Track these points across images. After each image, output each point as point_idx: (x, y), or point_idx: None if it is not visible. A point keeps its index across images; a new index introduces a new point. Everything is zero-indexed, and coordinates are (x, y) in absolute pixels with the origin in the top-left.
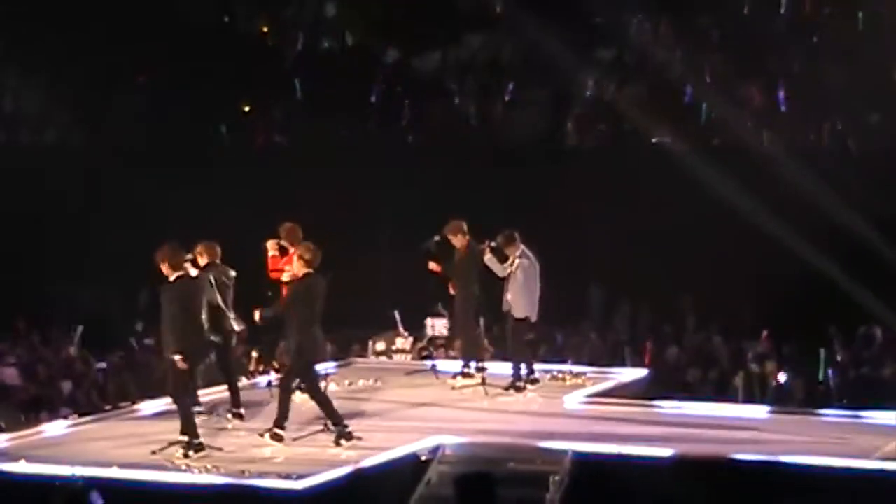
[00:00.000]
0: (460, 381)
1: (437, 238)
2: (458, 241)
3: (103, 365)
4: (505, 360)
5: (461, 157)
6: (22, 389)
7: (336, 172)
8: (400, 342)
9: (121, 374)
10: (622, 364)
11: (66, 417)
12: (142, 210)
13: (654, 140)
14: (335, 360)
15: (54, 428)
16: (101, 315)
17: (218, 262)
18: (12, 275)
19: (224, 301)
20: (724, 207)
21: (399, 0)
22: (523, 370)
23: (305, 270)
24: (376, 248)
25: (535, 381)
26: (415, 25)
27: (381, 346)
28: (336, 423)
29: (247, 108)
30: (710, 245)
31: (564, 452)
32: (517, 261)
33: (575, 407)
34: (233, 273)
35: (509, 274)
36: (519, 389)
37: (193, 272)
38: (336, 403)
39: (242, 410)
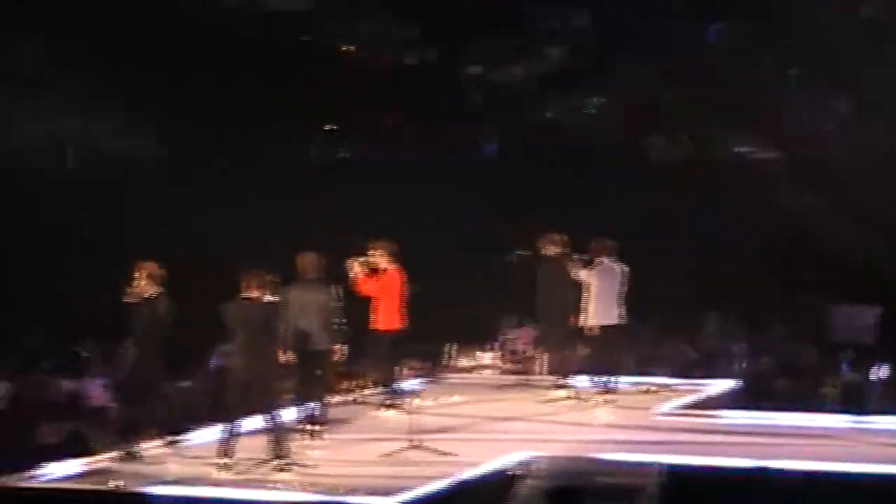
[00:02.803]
0: (550, 394)
1: (519, 252)
2: (550, 251)
3: (187, 384)
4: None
5: (544, 167)
6: (112, 409)
7: (419, 185)
8: (487, 357)
9: (205, 394)
10: (712, 375)
11: (155, 437)
12: (220, 228)
13: (736, 149)
14: (423, 375)
15: (145, 447)
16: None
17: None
18: (92, 292)
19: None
20: (809, 216)
21: (479, 15)
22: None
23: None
24: (461, 260)
25: (601, 392)
26: (495, 39)
27: (466, 361)
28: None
29: (330, 127)
30: (798, 253)
31: (654, 465)
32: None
33: (664, 419)
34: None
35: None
36: (607, 401)
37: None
38: (425, 419)
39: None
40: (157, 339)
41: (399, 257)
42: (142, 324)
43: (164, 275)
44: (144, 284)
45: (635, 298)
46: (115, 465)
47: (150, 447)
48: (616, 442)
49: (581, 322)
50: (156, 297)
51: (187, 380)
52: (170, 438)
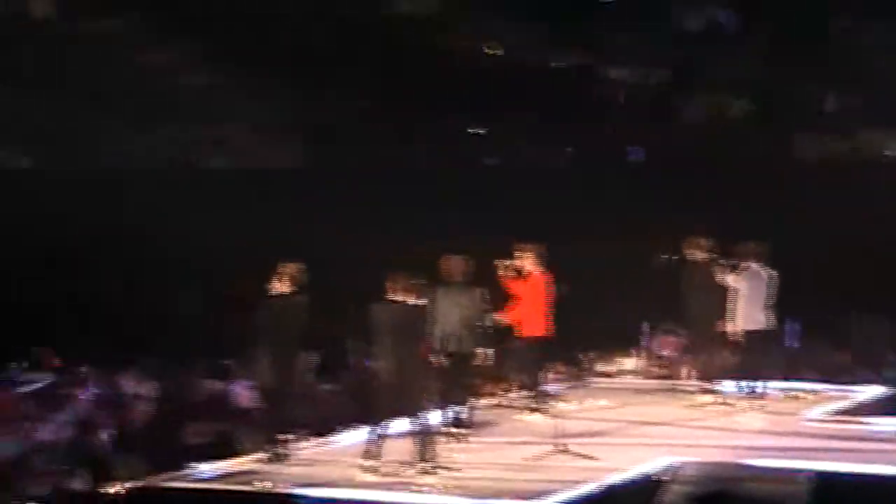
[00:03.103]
0: (697, 399)
1: (666, 256)
2: (696, 256)
3: (328, 387)
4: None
5: (687, 172)
6: (258, 411)
7: (562, 191)
8: (632, 361)
9: (349, 395)
10: (863, 381)
11: (302, 439)
12: (367, 230)
13: (886, 152)
14: (568, 380)
15: (293, 449)
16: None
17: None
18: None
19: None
20: None
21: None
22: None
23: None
24: (606, 264)
25: (749, 398)
26: (640, 43)
27: (611, 366)
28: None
29: (475, 130)
30: None
31: (804, 472)
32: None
33: (814, 425)
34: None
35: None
36: (754, 406)
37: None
38: (570, 423)
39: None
40: (290, 340)
41: (545, 261)
42: (274, 324)
43: (304, 277)
44: (282, 285)
45: (784, 302)
46: (261, 466)
47: (296, 449)
48: (764, 448)
49: (728, 327)
50: (290, 297)
51: (334, 381)
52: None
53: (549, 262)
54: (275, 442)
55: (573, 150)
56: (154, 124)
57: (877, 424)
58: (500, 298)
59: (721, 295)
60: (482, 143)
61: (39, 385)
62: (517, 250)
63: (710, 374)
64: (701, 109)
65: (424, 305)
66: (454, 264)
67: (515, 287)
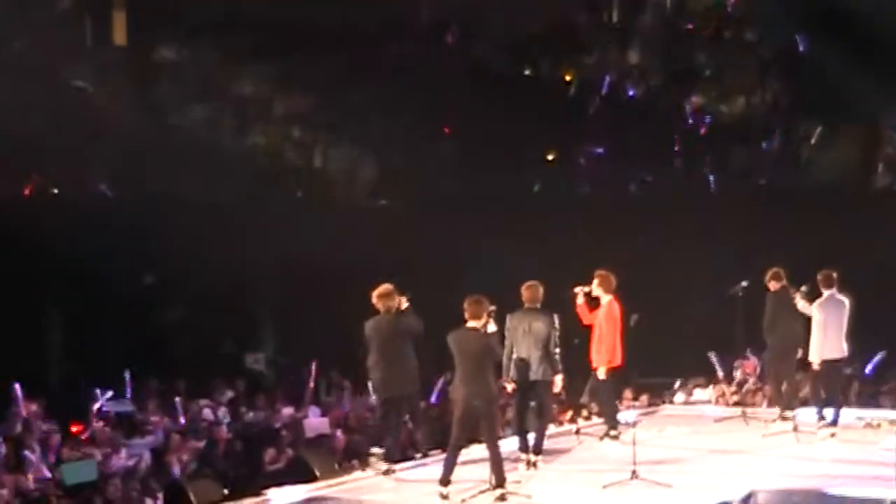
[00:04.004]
0: (773, 426)
1: (744, 284)
2: (775, 285)
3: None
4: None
5: (766, 201)
6: (334, 438)
7: (638, 219)
8: (709, 389)
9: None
10: None
11: (379, 463)
12: (452, 261)
13: None
14: (643, 407)
15: (366, 475)
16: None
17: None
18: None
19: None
20: None
21: (702, 46)
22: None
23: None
24: (683, 293)
25: (826, 426)
26: (718, 71)
27: (687, 393)
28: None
29: (550, 157)
30: None
31: (885, 501)
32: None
33: (892, 453)
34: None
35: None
36: (832, 434)
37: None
38: (644, 450)
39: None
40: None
41: (619, 289)
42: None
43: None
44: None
45: (862, 332)
46: (336, 492)
47: (371, 475)
48: (842, 476)
49: (810, 355)
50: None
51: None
52: (385, 467)
53: (625, 290)
54: (352, 467)
55: (654, 177)
56: None
57: None
58: (575, 325)
59: (800, 323)
60: (558, 170)
61: (120, 410)
62: (594, 277)
63: (787, 402)
64: (779, 139)
65: (495, 332)
66: (527, 290)
67: (590, 314)
